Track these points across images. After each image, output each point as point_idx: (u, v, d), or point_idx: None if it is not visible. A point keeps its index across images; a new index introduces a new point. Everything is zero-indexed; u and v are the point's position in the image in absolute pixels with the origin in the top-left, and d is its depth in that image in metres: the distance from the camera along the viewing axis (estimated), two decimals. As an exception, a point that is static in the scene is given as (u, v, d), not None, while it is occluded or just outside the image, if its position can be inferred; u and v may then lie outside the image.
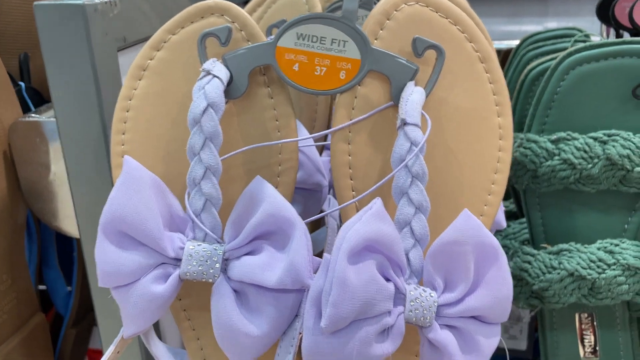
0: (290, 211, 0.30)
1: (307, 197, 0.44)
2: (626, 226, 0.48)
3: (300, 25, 0.33)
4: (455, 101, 0.35)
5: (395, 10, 0.34)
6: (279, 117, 0.36)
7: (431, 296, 0.29)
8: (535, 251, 0.49)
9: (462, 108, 0.35)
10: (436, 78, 0.34)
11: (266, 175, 0.36)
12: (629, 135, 0.45)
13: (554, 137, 0.47)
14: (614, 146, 0.45)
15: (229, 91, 0.35)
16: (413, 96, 0.32)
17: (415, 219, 0.30)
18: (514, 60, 0.67)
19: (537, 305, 0.49)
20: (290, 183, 0.37)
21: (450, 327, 0.30)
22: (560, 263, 0.47)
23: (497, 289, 0.30)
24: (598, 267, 0.45)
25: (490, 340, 0.30)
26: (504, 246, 0.54)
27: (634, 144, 0.44)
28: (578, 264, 0.46)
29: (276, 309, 0.29)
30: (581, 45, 0.47)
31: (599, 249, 0.46)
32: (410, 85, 0.33)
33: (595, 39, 0.64)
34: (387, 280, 0.28)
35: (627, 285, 0.45)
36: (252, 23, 0.36)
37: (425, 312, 0.29)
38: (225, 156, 0.34)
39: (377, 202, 0.28)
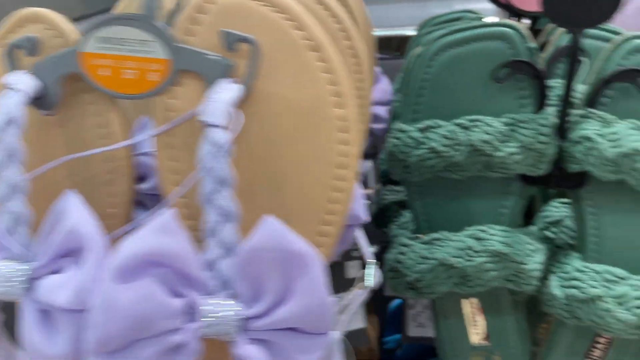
0: (87, 227, 0.29)
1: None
2: (502, 210, 0.48)
3: (101, 29, 0.31)
4: (284, 94, 0.33)
5: (210, 4, 0.33)
6: (102, 125, 0.35)
7: (232, 309, 0.28)
8: (409, 242, 0.48)
9: (293, 101, 0.33)
10: (252, 72, 0.32)
11: (92, 186, 0.35)
12: (490, 120, 0.44)
13: (421, 125, 0.46)
14: (475, 132, 0.44)
15: (44, 102, 0.33)
16: (220, 95, 0.31)
17: (222, 227, 0.29)
18: (412, 46, 0.66)
19: (415, 297, 0.48)
20: (125, 192, 0.36)
21: (260, 340, 0.29)
22: (431, 253, 0.46)
23: (308, 298, 0.29)
24: (467, 254, 0.45)
25: (310, 355, 0.29)
26: (394, 236, 0.54)
27: (495, 128, 0.44)
28: (448, 252, 0.45)
29: (77, 329, 0.28)
30: (447, 29, 0.46)
31: (468, 236, 0.46)
32: (220, 83, 0.31)
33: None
34: (179, 295, 0.27)
35: (496, 272, 0.45)
36: (70, 29, 0.34)
37: (226, 326, 0.28)
38: (37, 171, 0.33)
39: (164, 213, 0.27)
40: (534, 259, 0.45)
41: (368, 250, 0.44)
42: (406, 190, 0.50)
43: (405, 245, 0.48)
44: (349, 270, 0.53)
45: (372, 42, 0.61)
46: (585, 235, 0.46)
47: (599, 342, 0.49)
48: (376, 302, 0.65)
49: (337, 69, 0.34)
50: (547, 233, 0.55)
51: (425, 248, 0.47)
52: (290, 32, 0.33)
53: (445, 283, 0.46)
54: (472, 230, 0.46)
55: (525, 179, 0.46)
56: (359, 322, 0.51)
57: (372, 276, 0.42)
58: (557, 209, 0.53)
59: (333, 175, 0.33)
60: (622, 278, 0.43)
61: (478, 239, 0.45)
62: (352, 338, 0.52)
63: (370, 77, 0.53)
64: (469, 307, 0.52)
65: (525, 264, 0.45)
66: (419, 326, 0.66)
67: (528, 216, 0.59)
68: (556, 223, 0.53)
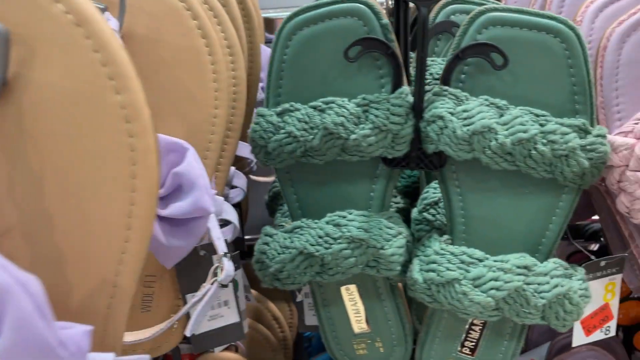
0: None
1: None
2: (372, 194, 0.46)
3: None
4: (52, 81, 0.28)
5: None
6: None
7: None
8: (273, 231, 0.46)
9: (62, 88, 0.28)
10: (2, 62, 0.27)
11: None
12: (343, 101, 0.42)
13: (279, 109, 0.44)
14: (329, 114, 0.42)
15: None
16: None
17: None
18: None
19: (282, 287, 0.46)
20: None
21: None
22: (292, 242, 0.44)
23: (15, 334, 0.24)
24: (325, 242, 0.43)
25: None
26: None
27: (348, 110, 0.42)
28: (307, 241, 0.44)
29: None
30: (303, 6, 0.44)
31: (328, 222, 0.44)
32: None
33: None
34: None
35: (354, 258, 0.43)
36: None
37: None
38: None
39: None
40: (394, 243, 0.44)
41: (221, 242, 0.41)
42: (276, 176, 0.48)
43: (269, 235, 0.46)
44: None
45: (255, 24, 0.58)
46: (454, 216, 0.45)
47: (474, 324, 0.48)
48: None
49: (108, 45, 0.28)
50: (426, 215, 0.54)
51: (286, 237, 0.45)
52: (50, 8, 0.26)
53: (306, 273, 0.44)
54: (332, 216, 0.45)
55: (386, 160, 0.45)
56: (233, 316, 0.49)
57: (223, 270, 0.40)
58: (436, 190, 0.52)
59: (124, 173, 0.29)
60: (479, 260, 0.42)
61: (337, 225, 0.44)
62: (225, 333, 0.50)
63: (242, 59, 0.50)
64: (348, 295, 0.50)
65: (384, 249, 0.44)
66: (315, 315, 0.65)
67: (415, 198, 0.59)
68: (435, 204, 0.52)
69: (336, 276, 0.44)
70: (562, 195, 0.44)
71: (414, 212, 0.55)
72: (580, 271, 0.44)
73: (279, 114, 0.44)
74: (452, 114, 0.40)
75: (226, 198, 0.61)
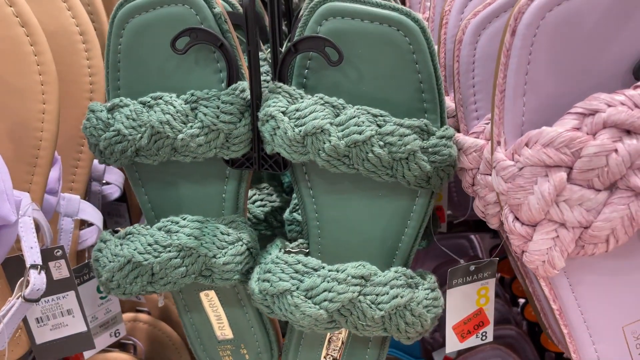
0: None
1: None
2: (224, 195, 0.43)
3: None
4: None
5: None
6: None
7: None
8: (108, 237, 0.43)
9: None
10: None
11: None
12: (171, 97, 0.39)
13: (109, 104, 0.41)
14: (156, 112, 0.38)
15: None
16: None
17: None
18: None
19: (115, 296, 0.44)
20: None
21: None
22: (122, 250, 0.41)
23: None
24: (155, 250, 0.40)
25: None
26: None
27: (175, 107, 0.38)
28: (135, 249, 0.41)
29: None
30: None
31: (160, 229, 0.41)
32: None
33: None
34: None
35: (184, 268, 0.41)
36: None
37: None
38: None
39: None
40: (229, 251, 0.41)
41: (32, 252, 0.38)
42: (129, 176, 0.45)
43: (103, 241, 0.43)
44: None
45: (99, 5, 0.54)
46: (308, 219, 0.42)
47: (334, 333, 0.46)
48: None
49: None
50: (296, 215, 0.51)
51: (118, 244, 0.42)
52: None
53: (136, 282, 0.41)
54: (165, 222, 0.42)
55: (227, 161, 0.42)
56: (79, 325, 0.46)
57: (29, 284, 0.37)
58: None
59: None
60: (314, 269, 0.40)
61: (168, 232, 0.41)
62: (71, 343, 0.47)
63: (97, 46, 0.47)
64: (207, 301, 0.48)
65: (216, 257, 0.41)
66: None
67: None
68: (302, 205, 0.49)
69: (167, 286, 0.41)
70: (417, 199, 0.41)
71: (286, 213, 0.52)
72: (430, 279, 0.42)
73: (110, 110, 0.41)
74: (284, 113, 0.37)
75: (97, 195, 0.58)
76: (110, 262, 0.41)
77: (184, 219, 0.42)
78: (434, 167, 0.38)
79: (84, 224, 0.53)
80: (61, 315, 0.45)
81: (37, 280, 0.37)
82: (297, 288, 0.39)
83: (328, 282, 0.39)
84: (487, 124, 0.39)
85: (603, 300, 0.36)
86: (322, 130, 0.37)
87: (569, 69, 0.31)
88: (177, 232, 0.41)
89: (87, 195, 0.56)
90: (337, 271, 0.39)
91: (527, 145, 0.30)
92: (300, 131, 0.37)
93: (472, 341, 0.51)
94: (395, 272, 0.40)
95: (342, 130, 0.37)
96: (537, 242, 0.31)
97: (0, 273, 0.44)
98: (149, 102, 0.39)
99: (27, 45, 0.40)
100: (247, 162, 0.41)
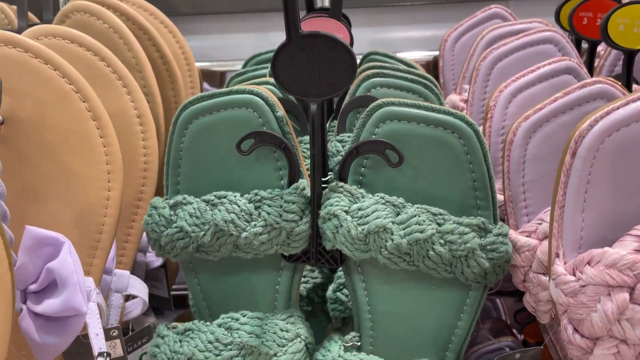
0: None
1: None
2: (277, 287, 0.44)
3: None
4: None
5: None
6: None
7: None
8: (166, 332, 0.43)
9: None
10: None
11: None
12: (235, 197, 0.40)
13: (172, 202, 0.42)
14: (220, 210, 0.40)
15: None
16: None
17: None
18: (231, 83, 0.62)
19: None
20: None
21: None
22: (182, 347, 0.42)
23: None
24: (215, 348, 0.41)
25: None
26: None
27: (239, 207, 0.40)
28: (196, 346, 0.41)
29: None
30: (200, 95, 0.42)
31: (220, 325, 0.42)
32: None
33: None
34: None
35: None
36: None
37: None
38: None
39: None
40: (289, 349, 0.41)
41: (98, 339, 0.39)
42: (181, 266, 0.46)
43: (161, 336, 0.43)
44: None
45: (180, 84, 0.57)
46: (360, 312, 0.43)
47: None
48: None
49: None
50: (339, 295, 0.52)
51: (177, 341, 0.42)
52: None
53: None
54: (225, 318, 0.42)
55: (285, 256, 0.43)
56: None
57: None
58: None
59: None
60: None
61: (229, 329, 0.41)
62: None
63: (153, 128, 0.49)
64: None
65: (277, 355, 0.41)
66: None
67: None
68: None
69: None
70: (470, 292, 0.42)
71: (329, 291, 0.53)
72: None
73: (172, 207, 0.42)
74: (346, 212, 0.39)
75: (141, 266, 0.60)
76: (169, 359, 0.42)
77: (244, 316, 0.42)
78: (492, 264, 0.39)
79: (129, 296, 0.55)
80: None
81: (107, 367, 0.38)
82: None
83: None
84: (539, 223, 0.40)
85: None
86: (384, 229, 0.38)
87: (627, 189, 0.33)
88: (237, 329, 0.41)
89: (132, 267, 0.57)
90: None
91: (589, 263, 0.32)
92: (363, 230, 0.38)
93: None
94: None
95: (404, 229, 0.38)
96: (597, 356, 0.32)
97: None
98: (212, 200, 0.41)
99: (97, 137, 0.42)
100: (304, 257, 0.42)
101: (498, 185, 0.47)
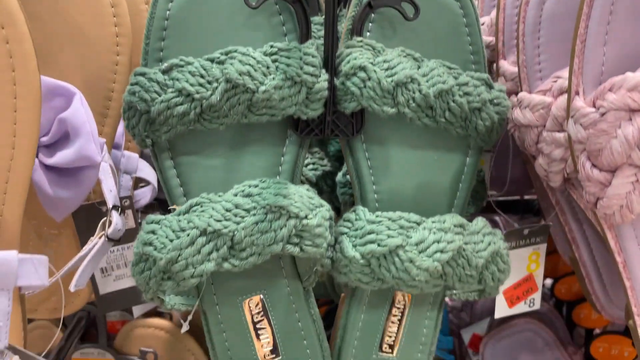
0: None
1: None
2: (280, 168, 0.40)
3: None
4: None
5: None
6: None
7: None
8: (160, 216, 0.37)
9: None
10: None
11: None
12: (247, 50, 0.37)
13: (164, 66, 0.37)
14: (232, 64, 0.37)
15: None
16: None
17: None
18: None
19: (171, 289, 0.36)
20: None
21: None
22: (190, 221, 0.36)
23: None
24: (235, 215, 0.36)
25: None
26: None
27: (254, 59, 0.37)
28: (211, 216, 0.36)
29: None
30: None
31: (235, 194, 0.37)
32: None
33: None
34: None
35: (273, 233, 0.36)
36: None
37: None
38: None
39: None
40: (319, 212, 0.38)
41: (111, 195, 0.39)
42: (155, 156, 0.39)
43: (155, 222, 0.37)
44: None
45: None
46: (365, 192, 0.41)
47: (393, 315, 0.43)
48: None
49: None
50: (349, 177, 0.52)
51: (181, 219, 0.36)
52: None
53: (210, 259, 0.36)
54: (240, 187, 0.37)
55: (297, 126, 0.39)
56: (128, 281, 0.46)
57: (111, 223, 0.38)
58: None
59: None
60: (417, 223, 0.39)
61: (248, 195, 0.37)
62: (131, 295, 0.48)
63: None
64: (250, 311, 0.40)
65: (308, 218, 0.37)
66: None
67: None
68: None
69: (250, 259, 0.36)
70: (467, 159, 0.43)
71: (339, 175, 0.53)
72: (499, 232, 0.43)
73: (165, 72, 0.37)
74: (373, 64, 0.38)
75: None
76: (171, 240, 0.35)
77: (263, 182, 0.38)
78: (498, 119, 0.41)
79: (137, 184, 0.54)
80: (124, 266, 0.46)
81: (118, 220, 0.38)
82: (407, 243, 0.38)
83: (434, 233, 0.39)
84: (554, 81, 0.40)
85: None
86: (412, 80, 0.38)
87: (649, 20, 0.32)
88: (259, 194, 0.37)
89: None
90: (440, 222, 0.39)
91: (610, 90, 0.31)
92: (392, 81, 0.38)
93: (521, 307, 0.52)
94: (482, 220, 0.41)
95: (428, 80, 0.39)
96: (616, 187, 0.32)
97: (66, 224, 0.45)
98: (218, 58, 0.37)
99: (106, -1, 0.41)
100: (317, 128, 0.40)
101: (512, 58, 0.46)
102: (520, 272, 0.50)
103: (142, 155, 0.53)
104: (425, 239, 0.39)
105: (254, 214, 0.36)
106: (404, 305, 0.44)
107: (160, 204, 0.62)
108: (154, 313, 0.71)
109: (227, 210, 0.36)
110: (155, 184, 0.52)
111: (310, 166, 0.55)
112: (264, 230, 0.36)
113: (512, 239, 0.49)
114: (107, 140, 0.43)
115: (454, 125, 0.40)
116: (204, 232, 0.35)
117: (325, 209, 0.39)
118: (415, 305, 0.44)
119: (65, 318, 0.64)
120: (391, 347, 0.43)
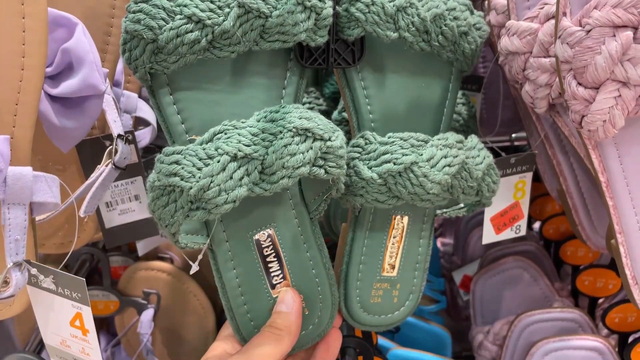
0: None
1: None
2: (282, 100, 0.41)
3: None
4: None
5: None
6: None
7: None
8: (180, 147, 0.37)
9: None
10: None
11: None
12: None
13: None
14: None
15: None
16: None
17: None
18: None
19: (202, 218, 0.36)
20: None
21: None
22: (218, 148, 0.36)
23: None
24: (263, 140, 0.36)
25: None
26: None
27: None
28: (239, 142, 0.36)
29: None
30: None
31: (259, 120, 0.37)
32: None
33: None
34: None
35: (302, 155, 0.37)
36: None
37: None
38: None
39: None
40: (339, 135, 0.39)
41: (116, 125, 0.40)
42: (153, 92, 0.38)
43: (177, 152, 0.36)
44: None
45: None
46: (362, 120, 0.43)
47: (394, 236, 0.46)
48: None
49: None
50: (345, 114, 0.54)
51: (208, 147, 0.36)
52: None
53: (241, 184, 0.36)
54: (262, 113, 0.38)
55: (302, 56, 0.40)
56: (144, 211, 0.48)
57: (117, 151, 0.40)
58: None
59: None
60: (424, 141, 0.42)
61: (272, 121, 0.37)
62: (137, 228, 0.49)
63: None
64: (259, 246, 0.41)
65: (332, 140, 0.38)
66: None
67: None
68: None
69: (282, 182, 0.37)
70: (450, 84, 0.46)
71: (335, 114, 0.55)
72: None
73: None
74: None
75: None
76: (199, 169, 0.35)
77: (284, 107, 0.38)
78: (480, 42, 0.45)
79: (136, 125, 0.55)
80: (129, 200, 0.47)
81: (124, 148, 0.39)
82: (420, 160, 0.41)
83: (441, 149, 0.42)
84: (541, 8, 0.41)
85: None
86: (410, 4, 0.40)
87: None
88: (283, 118, 0.37)
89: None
90: (444, 139, 0.42)
91: (596, 7, 0.33)
92: (394, 5, 0.40)
93: (507, 234, 0.55)
94: (475, 137, 0.44)
95: (423, 6, 0.41)
96: (599, 102, 0.34)
97: (71, 160, 0.46)
98: None
99: None
100: (320, 57, 0.41)
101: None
102: (507, 199, 0.52)
103: (141, 97, 0.54)
104: (434, 155, 0.42)
105: (281, 138, 0.36)
106: (402, 228, 0.47)
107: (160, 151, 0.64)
108: (155, 258, 0.73)
109: (254, 135, 0.36)
110: (155, 125, 0.54)
111: (307, 105, 0.57)
112: (292, 153, 0.36)
113: (500, 168, 0.50)
114: (108, 76, 0.44)
115: (445, 49, 0.43)
116: (234, 158, 0.35)
117: (342, 133, 0.40)
118: (411, 227, 0.47)
119: (68, 261, 0.66)
120: (392, 267, 0.47)
